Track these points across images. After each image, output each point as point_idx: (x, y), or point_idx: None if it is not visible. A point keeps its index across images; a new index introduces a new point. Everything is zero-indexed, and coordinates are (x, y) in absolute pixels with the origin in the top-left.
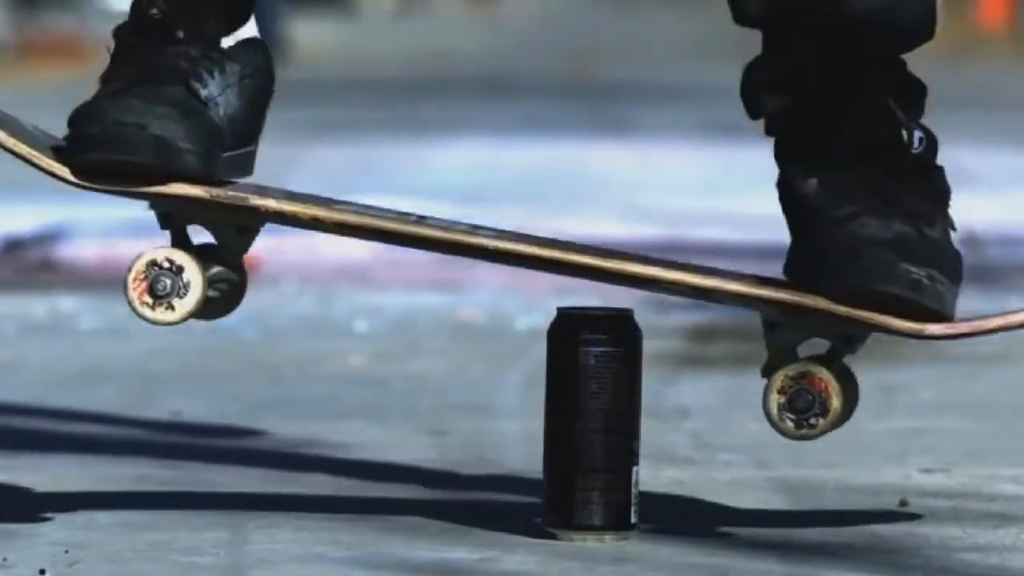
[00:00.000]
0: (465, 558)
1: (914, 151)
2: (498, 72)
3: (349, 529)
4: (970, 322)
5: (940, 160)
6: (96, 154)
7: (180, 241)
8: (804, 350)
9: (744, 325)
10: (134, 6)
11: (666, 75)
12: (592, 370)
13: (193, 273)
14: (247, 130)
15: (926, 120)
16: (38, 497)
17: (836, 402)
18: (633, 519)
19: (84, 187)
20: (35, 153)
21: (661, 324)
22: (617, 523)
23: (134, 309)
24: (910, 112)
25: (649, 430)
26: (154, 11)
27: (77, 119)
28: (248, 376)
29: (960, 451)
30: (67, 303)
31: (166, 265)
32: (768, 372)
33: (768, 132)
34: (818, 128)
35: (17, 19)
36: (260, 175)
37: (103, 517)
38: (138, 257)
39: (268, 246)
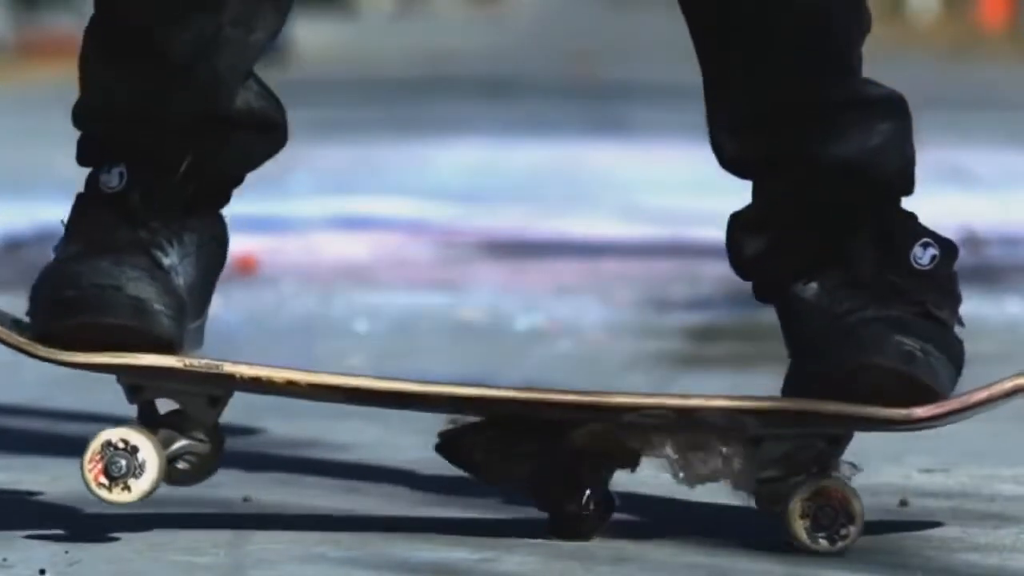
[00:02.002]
0: (465, 558)
1: (922, 267)
2: (498, 72)
3: (349, 529)
4: (958, 398)
5: (940, 160)
6: (76, 319)
7: (146, 416)
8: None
9: (744, 325)
10: (95, 174)
11: (666, 75)
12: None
13: (148, 453)
14: (201, 303)
15: (926, 120)
16: (38, 497)
17: (857, 505)
18: (616, 501)
19: (57, 363)
20: (1, 329)
21: (661, 324)
22: (606, 510)
23: (91, 490)
24: (905, 236)
25: None
26: (125, 184)
27: (49, 284)
28: None
29: (960, 451)
30: None
31: (121, 445)
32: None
33: (747, 276)
34: (803, 266)
35: (17, 19)
36: (260, 175)
37: (103, 517)
38: (94, 437)
39: (268, 246)
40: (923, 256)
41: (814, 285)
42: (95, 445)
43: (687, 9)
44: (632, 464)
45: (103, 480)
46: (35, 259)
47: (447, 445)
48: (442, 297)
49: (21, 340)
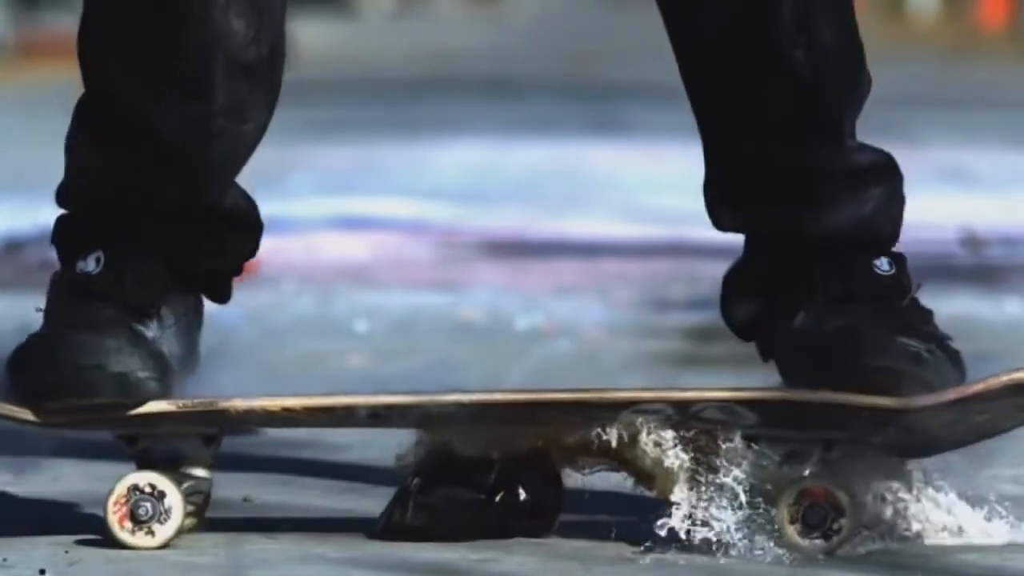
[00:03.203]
0: (465, 558)
1: (886, 273)
2: (498, 72)
3: (349, 529)
4: (953, 389)
5: (940, 160)
6: (60, 402)
7: (145, 461)
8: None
9: None
10: (71, 253)
11: (666, 75)
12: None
13: (175, 499)
14: (187, 363)
15: (926, 120)
16: (38, 497)
17: (842, 496)
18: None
19: (54, 425)
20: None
21: (661, 324)
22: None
23: (113, 533)
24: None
25: None
26: (102, 269)
27: (29, 364)
28: (248, 376)
29: (960, 451)
30: None
31: (148, 490)
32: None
33: (745, 337)
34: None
35: (17, 19)
36: (261, 175)
37: (103, 517)
38: (120, 480)
39: (268, 246)
40: (881, 264)
41: (801, 314)
42: (121, 488)
43: (686, 80)
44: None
45: (127, 524)
46: (35, 259)
47: (391, 531)
48: (442, 297)
49: (14, 409)
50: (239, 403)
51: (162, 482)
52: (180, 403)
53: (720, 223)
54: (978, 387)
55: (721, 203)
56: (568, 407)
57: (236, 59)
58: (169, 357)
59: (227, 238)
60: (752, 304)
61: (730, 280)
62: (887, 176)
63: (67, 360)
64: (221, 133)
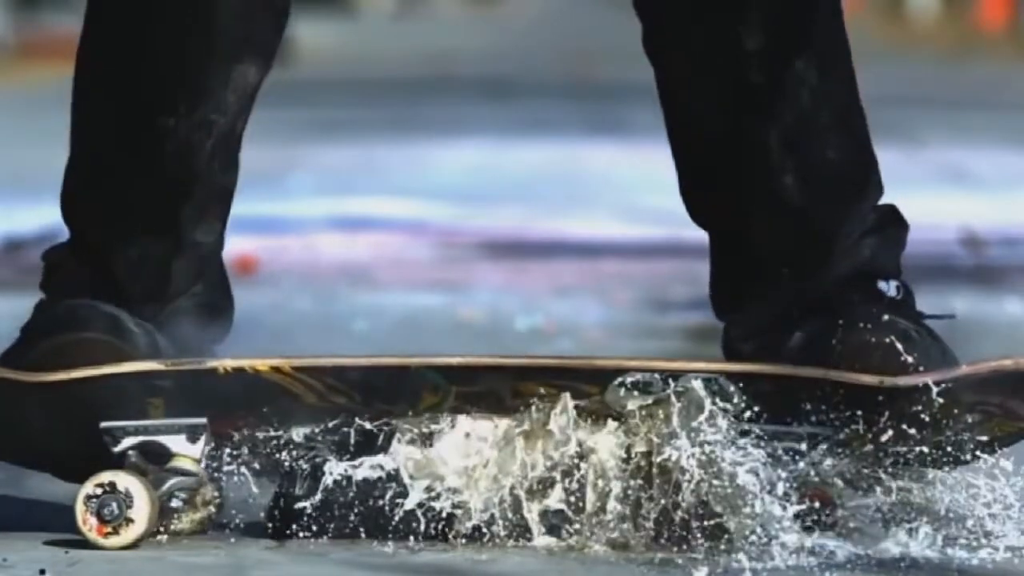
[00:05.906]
0: (465, 558)
1: (894, 298)
2: (498, 72)
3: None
4: (938, 371)
5: (941, 160)
6: (56, 338)
7: (133, 465)
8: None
9: None
10: (57, 265)
11: None
12: None
13: (126, 480)
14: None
15: (926, 120)
16: (38, 497)
17: (830, 491)
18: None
19: (39, 384)
20: None
21: (661, 324)
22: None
23: (104, 547)
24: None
25: None
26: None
27: (22, 329)
28: None
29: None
30: None
31: (99, 492)
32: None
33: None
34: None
35: (17, 19)
36: (261, 175)
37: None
38: (74, 502)
39: (268, 246)
40: (889, 289)
41: (799, 335)
42: (78, 506)
43: (682, 192)
44: None
45: (104, 529)
46: (35, 259)
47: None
48: (442, 297)
49: (6, 371)
50: (228, 362)
51: (105, 476)
52: (168, 362)
53: (720, 317)
54: (965, 369)
55: (723, 303)
56: (554, 373)
57: (214, 202)
58: (160, 343)
59: (187, 333)
60: (751, 344)
61: (730, 330)
62: (881, 227)
63: (64, 305)
64: (184, 260)
